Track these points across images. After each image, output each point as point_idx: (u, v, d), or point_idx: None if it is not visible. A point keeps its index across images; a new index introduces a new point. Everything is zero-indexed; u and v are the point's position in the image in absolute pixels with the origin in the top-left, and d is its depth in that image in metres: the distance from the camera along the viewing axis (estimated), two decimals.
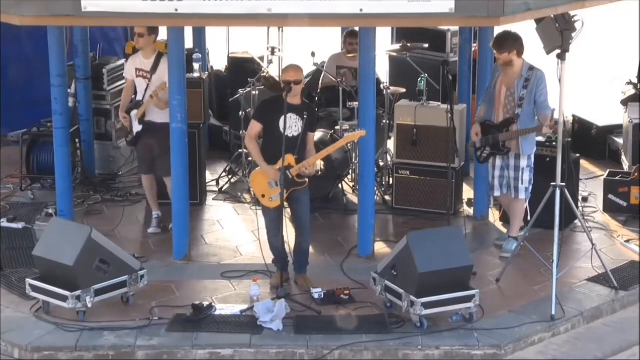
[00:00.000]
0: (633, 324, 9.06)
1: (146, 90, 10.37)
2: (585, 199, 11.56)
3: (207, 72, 12.47)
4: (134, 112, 10.46)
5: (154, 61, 10.36)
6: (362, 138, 9.88)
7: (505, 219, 10.98)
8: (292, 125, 9.07)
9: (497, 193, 10.12)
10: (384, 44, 13.51)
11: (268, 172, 9.15)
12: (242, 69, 14.03)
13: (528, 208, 10.07)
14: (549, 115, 9.75)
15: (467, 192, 11.38)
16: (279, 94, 9.23)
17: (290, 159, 9.06)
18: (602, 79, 16.91)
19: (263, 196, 9.28)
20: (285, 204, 9.34)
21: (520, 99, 9.79)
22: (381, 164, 11.82)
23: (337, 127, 11.50)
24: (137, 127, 10.47)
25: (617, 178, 11.49)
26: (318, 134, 9.47)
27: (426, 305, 8.54)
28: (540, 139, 11.05)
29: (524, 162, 9.92)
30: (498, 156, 9.98)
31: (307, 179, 9.23)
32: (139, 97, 10.46)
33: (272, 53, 12.96)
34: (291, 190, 9.18)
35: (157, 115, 10.35)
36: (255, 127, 9.27)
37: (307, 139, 9.22)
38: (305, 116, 9.04)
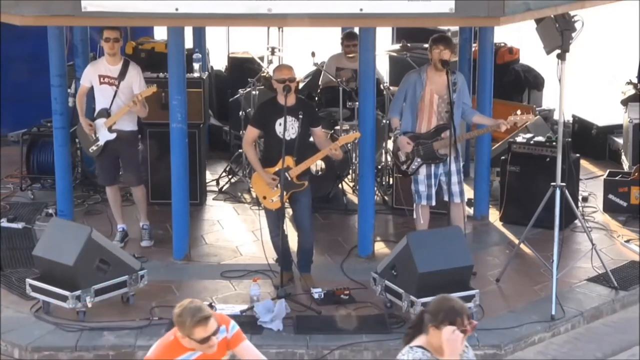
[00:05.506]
0: (633, 324, 9.06)
1: (114, 97, 10.08)
2: (585, 199, 11.57)
3: (207, 72, 12.46)
4: (100, 121, 10.14)
5: (121, 67, 10.07)
6: (363, 138, 9.89)
7: (505, 219, 11.00)
8: (288, 128, 9.06)
9: (433, 202, 9.80)
10: (384, 44, 13.54)
11: (264, 177, 9.17)
12: (242, 69, 14.06)
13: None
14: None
15: (467, 192, 11.35)
16: (274, 97, 9.24)
17: (289, 161, 9.06)
18: (602, 79, 16.92)
19: (264, 198, 9.30)
20: (287, 204, 9.37)
21: (453, 103, 9.59)
22: (381, 164, 11.82)
23: (337, 127, 11.51)
24: (106, 136, 10.14)
25: (617, 178, 11.50)
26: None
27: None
28: (541, 138, 11.07)
29: (460, 165, 9.77)
30: (427, 165, 9.68)
31: (306, 182, 9.24)
32: (104, 105, 10.14)
33: (272, 53, 12.96)
34: (291, 192, 9.19)
35: (125, 123, 10.13)
36: (251, 132, 9.30)
37: (314, 136, 9.23)
38: (301, 116, 9.04)
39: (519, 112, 9.51)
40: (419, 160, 9.68)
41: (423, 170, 9.71)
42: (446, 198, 9.72)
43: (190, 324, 5.81)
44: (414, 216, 9.90)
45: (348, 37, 12.13)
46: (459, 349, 5.50)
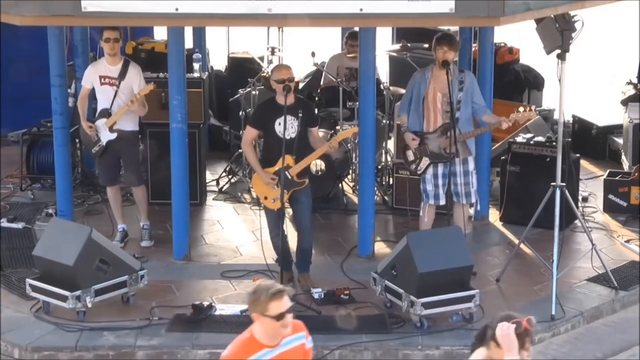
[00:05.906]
0: (633, 324, 9.06)
1: (114, 97, 10.08)
2: (585, 199, 11.56)
3: (207, 72, 12.46)
4: (101, 122, 10.14)
5: (121, 67, 10.07)
6: (363, 138, 9.89)
7: (505, 219, 10.99)
8: (288, 127, 9.06)
9: (440, 202, 9.76)
10: (384, 44, 13.52)
11: (263, 178, 9.17)
12: (242, 69, 14.05)
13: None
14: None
15: None
16: (272, 97, 9.24)
17: (288, 159, 9.06)
18: (602, 79, 16.92)
19: (265, 198, 9.30)
20: (287, 204, 9.37)
21: (458, 102, 9.54)
22: (381, 164, 11.81)
23: (337, 127, 11.51)
24: (108, 136, 10.13)
25: (617, 178, 11.49)
26: (319, 134, 9.46)
27: (426, 305, 8.54)
28: (541, 138, 11.07)
29: (472, 165, 9.74)
30: (438, 164, 9.66)
31: (307, 180, 9.24)
32: (105, 105, 10.14)
33: (272, 53, 12.95)
34: (292, 191, 9.19)
35: (126, 122, 10.13)
36: (250, 132, 9.31)
37: (310, 135, 9.23)
38: (300, 114, 9.04)
39: (521, 109, 9.50)
40: (426, 159, 9.68)
41: (430, 170, 9.72)
42: (455, 199, 9.72)
43: (266, 299, 5.69)
44: (420, 214, 9.91)
45: (352, 37, 12.10)
46: (515, 341, 5.49)
